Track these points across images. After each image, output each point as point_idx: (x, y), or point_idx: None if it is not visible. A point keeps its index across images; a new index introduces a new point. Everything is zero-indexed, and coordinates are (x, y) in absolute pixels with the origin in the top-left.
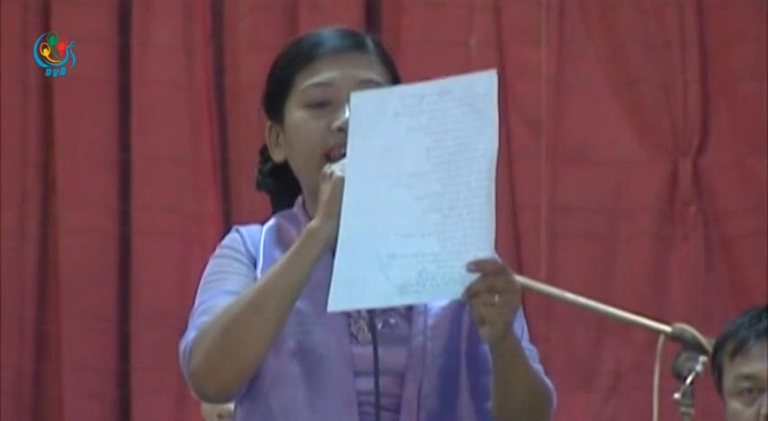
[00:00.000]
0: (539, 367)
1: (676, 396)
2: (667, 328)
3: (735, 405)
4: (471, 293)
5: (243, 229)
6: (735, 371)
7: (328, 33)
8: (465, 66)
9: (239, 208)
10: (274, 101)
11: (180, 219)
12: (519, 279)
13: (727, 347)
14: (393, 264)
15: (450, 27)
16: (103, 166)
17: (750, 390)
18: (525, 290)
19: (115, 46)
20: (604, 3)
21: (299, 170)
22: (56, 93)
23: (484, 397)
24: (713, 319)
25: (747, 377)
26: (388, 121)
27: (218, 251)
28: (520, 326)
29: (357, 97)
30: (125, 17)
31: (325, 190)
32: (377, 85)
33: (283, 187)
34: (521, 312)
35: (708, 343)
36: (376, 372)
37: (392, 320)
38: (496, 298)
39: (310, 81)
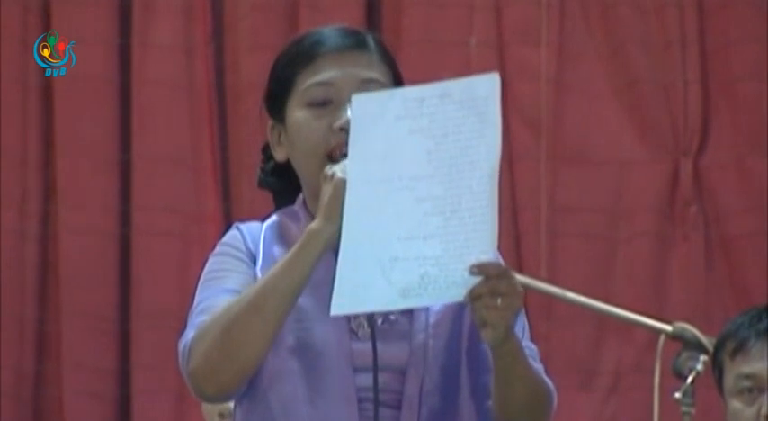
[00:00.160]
0: (539, 366)
1: (677, 395)
2: (668, 328)
3: (735, 404)
4: (474, 296)
5: (243, 226)
6: (735, 370)
7: (329, 32)
8: (465, 66)
9: (239, 208)
10: (276, 100)
11: (180, 219)
12: (520, 278)
13: (728, 347)
14: (395, 268)
15: (450, 27)
16: (104, 166)
17: (750, 390)
18: (526, 289)
19: (115, 46)
20: (605, 3)
21: (301, 169)
22: (56, 93)
23: (484, 395)
24: (713, 319)
25: (748, 376)
26: (390, 124)
27: (218, 248)
28: (521, 326)
29: (358, 100)
30: (125, 17)
31: (327, 191)
32: (378, 83)
33: (285, 185)
34: (522, 312)
35: (708, 342)
36: (375, 368)
37: (392, 316)
38: (499, 301)
39: (311, 80)
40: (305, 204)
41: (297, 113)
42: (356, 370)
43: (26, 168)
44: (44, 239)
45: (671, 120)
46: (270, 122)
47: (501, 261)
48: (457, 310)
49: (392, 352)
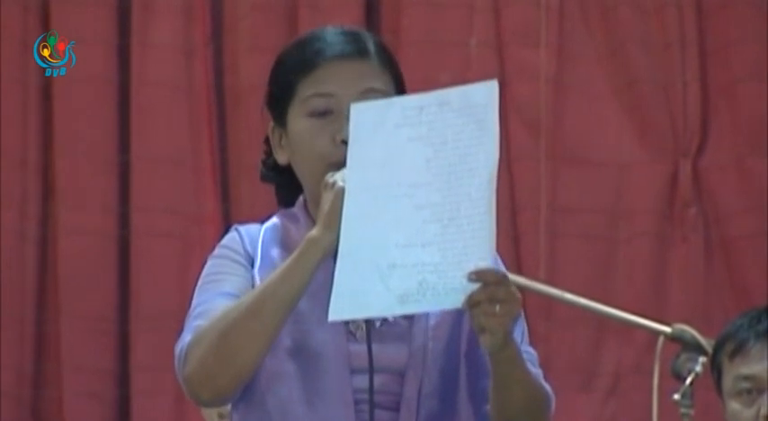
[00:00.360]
0: (538, 371)
1: (676, 396)
2: (667, 329)
3: (734, 405)
4: (472, 303)
5: (242, 229)
6: (734, 371)
7: (331, 37)
8: (464, 66)
9: (239, 209)
10: (277, 104)
11: (179, 220)
12: (519, 280)
13: (727, 348)
14: (393, 275)
15: (450, 27)
16: (103, 167)
17: (749, 391)
18: (525, 290)
19: (115, 46)
20: (604, 3)
21: (303, 175)
22: (56, 93)
23: (483, 399)
24: (713, 320)
25: (747, 378)
26: (388, 132)
27: (216, 251)
28: (520, 331)
29: (357, 109)
30: (125, 18)
31: (327, 199)
32: (379, 92)
33: (287, 182)
34: (521, 316)
35: (707, 344)
36: (370, 370)
37: (391, 319)
38: (497, 307)
39: (313, 90)
40: (305, 207)
41: (298, 123)
42: (354, 372)
43: (25, 169)
44: (43, 240)
45: (670, 121)
46: (271, 124)
47: (501, 267)
48: (457, 313)
49: (390, 354)
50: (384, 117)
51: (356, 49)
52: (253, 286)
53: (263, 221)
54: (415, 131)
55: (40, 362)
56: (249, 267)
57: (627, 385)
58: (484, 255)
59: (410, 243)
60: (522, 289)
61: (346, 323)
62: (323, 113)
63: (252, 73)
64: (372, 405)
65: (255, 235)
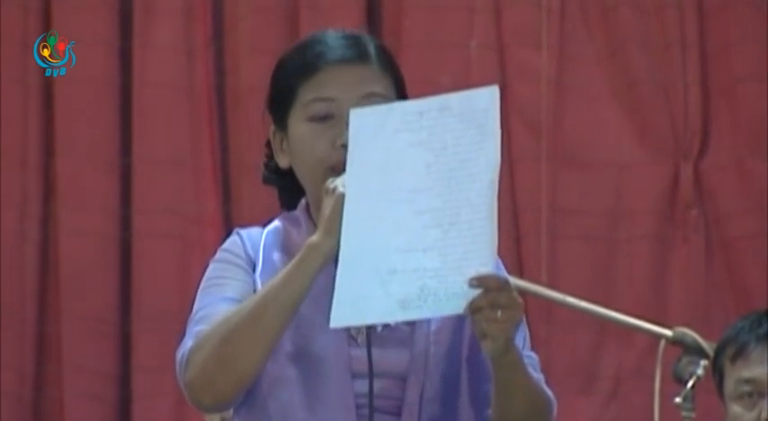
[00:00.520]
0: (539, 376)
1: (677, 400)
2: (668, 333)
3: (735, 409)
4: (473, 308)
5: (243, 232)
6: (735, 374)
7: (332, 41)
8: (465, 68)
9: (240, 210)
10: (278, 108)
11: (180, 222)
12: (521, 283)
13: (728, 351)
14: (394, 280)
15: (450, 29)
16: (104, 168)
17: (751, 394)
18: (527, 294)
19: (116, 47)
20: (605, 4)
21: (304, 180)
22: (56, 94)
23: (484, 404)
24: (713, 322)
25: (748, 381)
26: (388, 138)
27: (218, 255)
28: (522, 336)
29: (357, 114)
30: (126, 19)
31: (327, 204)
32: (379, 97)
33: (289, 184)
34: (523, 321)
35: (709, 347)
36: (370, 375)
37: (393, 323)
38: (499, 313)
39: (313, 95)
40: (307, 210)
41: (299, 128)
42: (355, 376)
43: (26, 170)
44: (44, 241)
45: (671, 122)
46: (272, 127)
47: (502, 272)
48: (459, 318)
49: (391, 358)
50: (384, 122)
51: (357, 54)
52: (254, 290)
53: (264, 224)
54: (416, 136)
55: (41, 363)
56: (251, 271)
57: (628, 388)
58: (485, 260)
59: (411, 248)
60: (522, 292)
61: (347, 328)
62: (323, 118)
63: (252, 74)
64: (372, 409)
65: (257, 239)
